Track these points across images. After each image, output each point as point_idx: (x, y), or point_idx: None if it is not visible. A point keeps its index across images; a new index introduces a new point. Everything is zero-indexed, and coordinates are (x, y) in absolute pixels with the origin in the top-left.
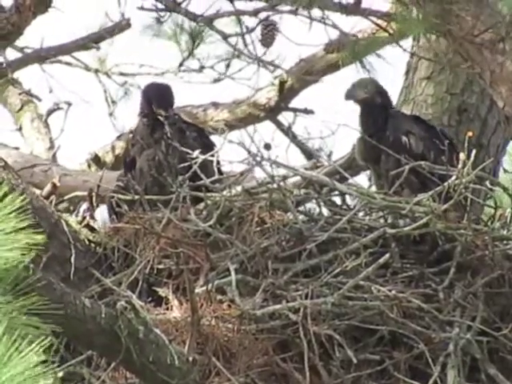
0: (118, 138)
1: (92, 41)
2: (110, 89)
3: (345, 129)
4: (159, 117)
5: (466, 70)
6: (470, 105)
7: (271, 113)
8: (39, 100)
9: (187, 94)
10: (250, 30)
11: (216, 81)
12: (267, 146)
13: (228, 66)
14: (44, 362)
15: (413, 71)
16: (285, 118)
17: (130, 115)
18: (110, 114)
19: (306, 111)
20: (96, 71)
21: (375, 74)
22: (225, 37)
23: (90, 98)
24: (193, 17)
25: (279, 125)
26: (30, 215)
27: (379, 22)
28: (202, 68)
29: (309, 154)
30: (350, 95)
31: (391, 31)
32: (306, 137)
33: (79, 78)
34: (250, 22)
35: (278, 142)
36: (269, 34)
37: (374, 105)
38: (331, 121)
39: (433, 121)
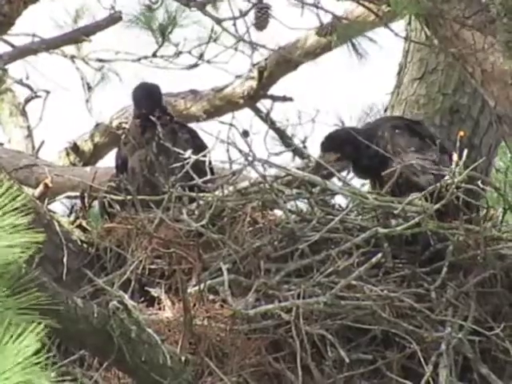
0: (97, 126)
1: (84, 34)
2: (86, 75)
3: (323, 115)
4: (151, 117)
5: (457, 55)
6: (462, 105)
7: (250, 100)
8: (31, 89)
9: (165, 80)
10: (244, 14)
11: (192, 66)
12: (245, 133)
13: (202, 54)
14: (39, 352)
15: (404, 71)
16: (263, 104)
17: (107, 102)
18: (87, 101)
19: (285, 98)
20: (72, 57)
21: (367, 58)
22: (218, 21)
23: (67, 85)
24: (185, 2)
25: (258, 111)
26: (30, 213)
27: (370, 5)
28: (178, 53)
29: (287, 140)
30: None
31: (382, 15)
32: (284, 123)
33: (55, 64)
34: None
35: (256, 129)
36: (263, 16)
37: (347, 158)
38: (310, 108)
39: (424, 121)
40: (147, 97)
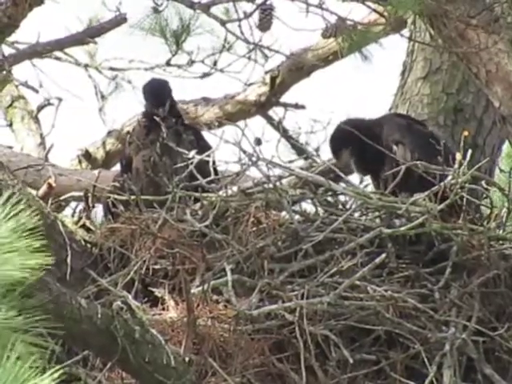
0: (109, 133)
1: (89, 36)
2: (100, 84)
3: (335, 122)
4: (155, 117)
5: (461, 55)
6: (465, 105)
7: (262, 108)
8: (36, 92)
9: (178, 89)
10: (248, 15)
11: (205, 75)
12: (257, 141)
13: (215, 62)
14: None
15: (408, 71)
16: (275, 112)
17: (120, 110)
18: (100, 110)
19: (297, 106)
20: (86, 66)
21: (374, 63)
22: (223, 23)
23: (80, 93)
24: (190, 4)
25: (270, 119)
26: (42, 235)
27: (375, 7)
28: (191, 62)
29: (299, 149)
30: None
31: (387, 16)
32: (296, 131)
33: (69, 72)
34: (246, 8)
35: (268, 136)
36: (266, 18)
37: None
38: (322, 115)
39: (428, 121)
40: (155, 92)
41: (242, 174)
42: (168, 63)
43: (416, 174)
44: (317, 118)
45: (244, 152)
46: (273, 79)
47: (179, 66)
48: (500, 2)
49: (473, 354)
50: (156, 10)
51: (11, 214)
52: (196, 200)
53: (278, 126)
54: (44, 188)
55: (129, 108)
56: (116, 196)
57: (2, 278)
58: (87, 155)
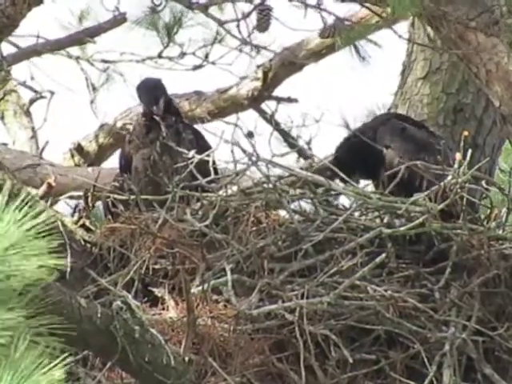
0: (101, 127)
1: (88, 35)
2: (91, 76)
3: (328, 116)
4: (155, 116)
5: (461, 55)
6: (465, 104)
7: (255, 102)
8: (35, 91)
9: (170, 81)
10: (246, 16)
11: (197, 67)
12: (250, 134)
13: (207, 55)
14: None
15: (408, 71)
16: (268, 106)
17: (111, 104)
18: (92, 102)
19: (290, 100)
20: (77, 58)
21: (370, 61)
22: (221, 23)
23: (72, 86)
24: (188, 4)
25: (262, 113)
26: (58, 236)
27: (373, 8)
28: (183, 54)
29: (291, 143)
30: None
31: (386, 17)
32: (288, 125)
33: (61, 65)
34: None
35: (260, 130)
36: (264, 18)
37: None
38: (316, 111)
39: (428, 121)
40: (148, 90)
41: (241, 173)
42: (160, 55)
43: (406, 178)
44: (309, 112)
45: (244, 151)
46: (265, 73)
47: (170, 59)
48: (499, 5)
49: (472, 354)
50: (154, 10)
51: (27, 215)
52: (197, 200)
53: (270, 119)
54: (44, 187)
55: (120, 102)
56: (116, 196)
57: (19, 278)
58: (79, 149)
